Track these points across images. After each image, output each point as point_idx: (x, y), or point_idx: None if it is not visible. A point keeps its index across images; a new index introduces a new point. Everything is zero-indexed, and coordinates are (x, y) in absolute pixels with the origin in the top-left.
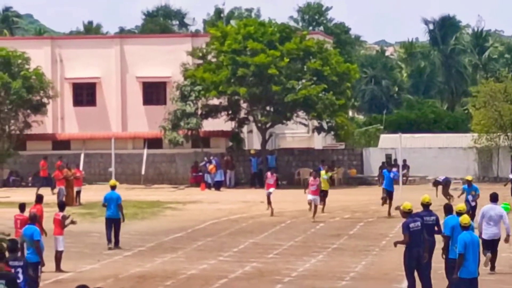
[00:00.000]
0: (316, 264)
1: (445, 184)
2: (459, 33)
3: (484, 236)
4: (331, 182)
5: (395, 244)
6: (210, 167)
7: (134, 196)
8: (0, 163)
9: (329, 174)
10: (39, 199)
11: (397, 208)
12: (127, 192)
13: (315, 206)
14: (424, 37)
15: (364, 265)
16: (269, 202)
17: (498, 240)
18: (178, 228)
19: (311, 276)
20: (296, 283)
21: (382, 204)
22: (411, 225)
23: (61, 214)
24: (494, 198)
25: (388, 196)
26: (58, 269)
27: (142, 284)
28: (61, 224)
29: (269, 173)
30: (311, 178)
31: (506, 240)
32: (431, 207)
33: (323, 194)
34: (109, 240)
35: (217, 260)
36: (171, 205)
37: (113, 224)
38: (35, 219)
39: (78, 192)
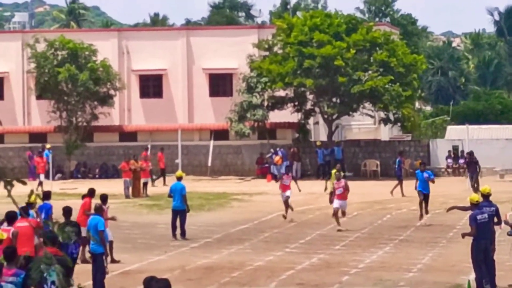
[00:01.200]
0: (383, 256)
1: None
2: None
3: None
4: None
5: (463, 236)
6: (276, 158)
7: (201, 187)
8: (67, 154)
9: (343, 173)
10: (90, 192)
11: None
12: (193, 183)
13: (343, 213)
14: (491, 28)
15: (431, 256)
16: (286, 206)
17: None
18: (244, 220)
19: (378, 268)
20: (363, 274)
21: (420, 215)
22: (479, 216)
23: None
24: None
25: (424, 200)
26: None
27: (209, 276)
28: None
29: (285, 174)
30: (335, 181)
31: None
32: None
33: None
34: (174, 231)
35: (284, 252)
36: (238, 196)
37: (179, 215)
38: (100, 210)
39: (145, 184)
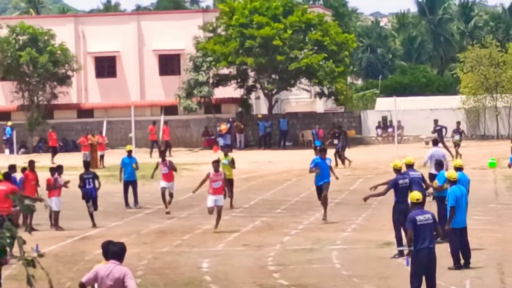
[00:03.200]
0: (320, 218)
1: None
2: (446, 3)
3: None
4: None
5: (365, 199)
6: (222, 127)
7: (153, 159)
8: (30, 131)
9: (229, 157)
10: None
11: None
12: (146, 155)
13: (219, 211)
14: (414, 9)
15: (364, 217)
16: (164, 199)
17: None
18: (193, 188)
19: (316, 229)
20: (302, 235)
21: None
22: (400, 181)
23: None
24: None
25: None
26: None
27: (162, 239)
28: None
29: (161, 162)
30: (212, 173)
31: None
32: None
33: (228, 183)
34: (126, 202)
35: (230, 216)
36: (187, 166)
37: (130, 185)
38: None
39: (102, 156)
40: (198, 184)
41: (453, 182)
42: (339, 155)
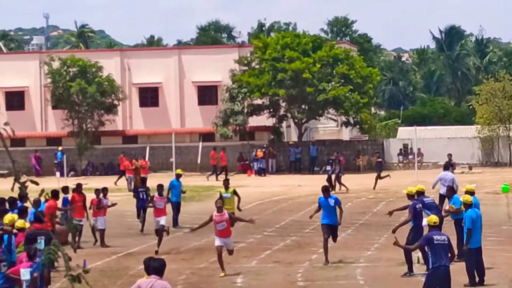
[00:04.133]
0: (346, 237)
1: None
2: (463, 40)
3: None
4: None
5: (394, 231)
6: (259, 153)
7: (192, 182)
8: (79, 155)
9: (231, 189)
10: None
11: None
12: (185, 178)
13: (230, 252)
14: (433, 45)
15: (386, 237)
16: (160, 237)
17: None
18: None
19: (342, 247)
20: (329, 253)
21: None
22: (417, 206)
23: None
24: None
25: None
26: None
27: (200, 256)
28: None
29: (157, 196)
30: (215, 213)
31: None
32: None
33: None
34: (176, 222)
35: (262, 235)
36: (222, 189)
37: (176, 207)
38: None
39: (145, 179)
40: (199, 224)
41: (469, 206)
42: (335, 180)
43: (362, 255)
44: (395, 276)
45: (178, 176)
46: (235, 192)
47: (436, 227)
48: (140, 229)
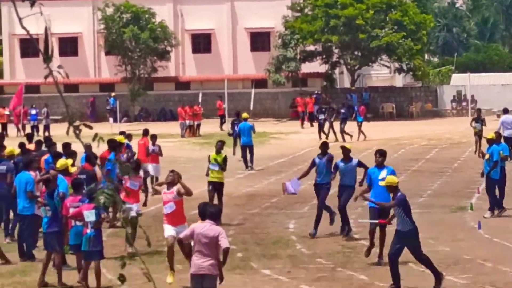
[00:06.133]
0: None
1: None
2: None
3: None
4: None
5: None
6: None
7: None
8: (132, 101)
9: (222, 155)
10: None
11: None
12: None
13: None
14: None
15: (439, 184)
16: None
17: None
18: (281, 155)
19: None
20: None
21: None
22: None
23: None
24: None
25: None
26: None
27: (252, 201)
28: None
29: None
30: (164, 189)
31: None
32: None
33: (218, 188)
34: (246, 163)
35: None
36: (275, 135)
37: (248, 149)
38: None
39: (198, 125)
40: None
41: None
42: (329, 128)
43: (415, 201)
44: (448, 222)
45: (246, 119)
46: (224, 161)
47: None
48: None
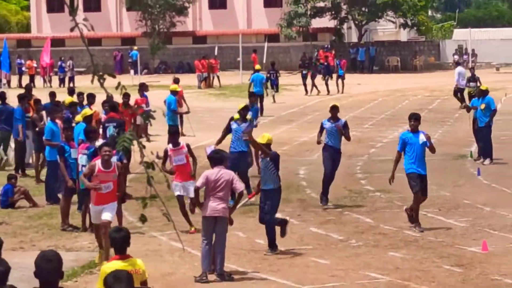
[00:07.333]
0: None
1: None
2: None
3: None
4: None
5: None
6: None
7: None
8: (152, 54)
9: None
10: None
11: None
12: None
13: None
14: None
15: (441, 133)
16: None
17: None
18: (292, 105)
19: (396, 142)
20: (386, 147)
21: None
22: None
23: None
24: None
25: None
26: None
27: None
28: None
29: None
30: (170, 146)
31: None
32: None
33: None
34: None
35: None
36: (287, 87)
37: (259, 97)
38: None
39: (217, 77)
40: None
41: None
42: (310, 83)
43: None
44: (450, 169)
45: (258, 70)
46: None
47: None
48: None
